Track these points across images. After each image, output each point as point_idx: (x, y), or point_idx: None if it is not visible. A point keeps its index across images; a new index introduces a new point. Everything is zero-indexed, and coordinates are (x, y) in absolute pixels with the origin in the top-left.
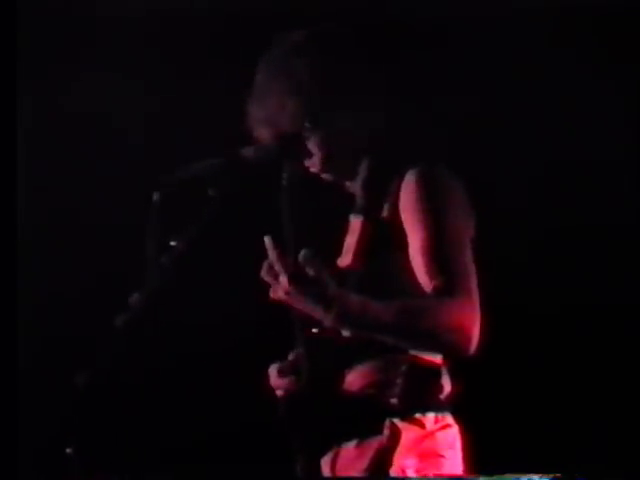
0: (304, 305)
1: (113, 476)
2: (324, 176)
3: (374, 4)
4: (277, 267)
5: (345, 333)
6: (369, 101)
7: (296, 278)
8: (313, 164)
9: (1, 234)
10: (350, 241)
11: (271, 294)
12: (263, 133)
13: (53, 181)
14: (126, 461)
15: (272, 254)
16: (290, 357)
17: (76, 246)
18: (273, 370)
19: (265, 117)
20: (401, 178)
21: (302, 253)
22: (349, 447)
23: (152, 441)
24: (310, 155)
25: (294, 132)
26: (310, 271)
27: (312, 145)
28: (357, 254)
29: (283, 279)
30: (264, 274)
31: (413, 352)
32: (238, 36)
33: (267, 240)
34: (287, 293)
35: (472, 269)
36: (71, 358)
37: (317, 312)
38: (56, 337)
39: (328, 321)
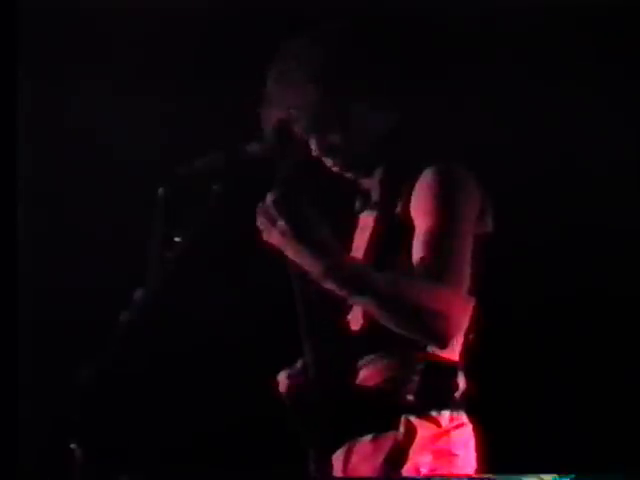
0: (298, 250)
1: (116, 472)
2: (345, 175)
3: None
4: (273, 211)
5: (330, 287)
6: (389, 97)
7: (295, 220)
8: (333, 163)
9: (2, 229)
10: (361, 238)
11: (264, 236)
12: (279, 127)
13: (55, 176)
14: (129, 457)
15: (270, 200)
16: (299, 364)
17: (80, 241)
18: (283, 377)
19: (282, 112)
20: (417, 176)
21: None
22: (364, 443)
23: (157, 437)
24: (329, 153)
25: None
26: (310, 217)
27: (331, 142)
28: (368, 251)
29: (281, 221)
30: (259, 215)
31: (428, 350)
32: (239, 34)
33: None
34: (283, 234)
35: (467, 266)
36: (75, 353)
37: (310, 259)
38: (60, 332)
39: (318, 270)
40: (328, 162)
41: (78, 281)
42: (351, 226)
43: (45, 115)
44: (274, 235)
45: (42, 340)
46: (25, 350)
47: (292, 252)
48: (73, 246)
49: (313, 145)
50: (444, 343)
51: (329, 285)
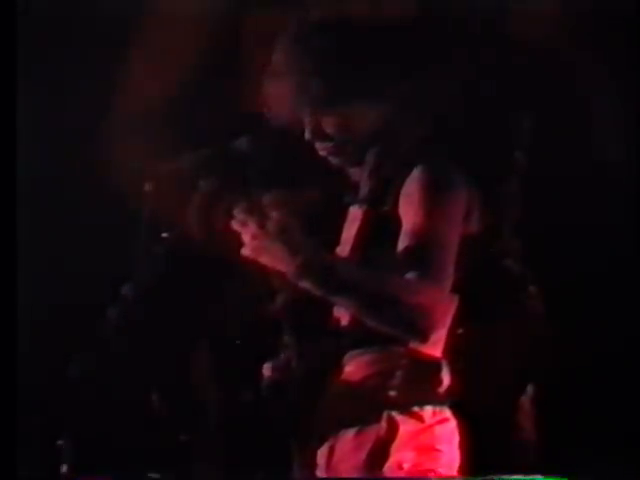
0: (270, 251)
1: (105, 471)
2: (331, 160)
3: None
4: (243, 216)
5: (305, 285)
6: (386, 90)
7: (265, 222)
8: (323, 148)
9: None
10: (349, 231)
11: (242, 250)
12: (278, 113)
13: (49, 176)
14: (117, 453)
15: (239, 206)
16: (282, 356)
17: (69, 237)
18: (267, 368)
19: (281, 98)
20: (408, 173)
21: (264, 198)
22: (347, 438)
23: (144, 433)
24: (322, 138)
25: (309, 114)
26: (277, 216)
27: (325, 128)
28: (355, 246)
29: (252, 224)
30: (234, 223)
31: (412, 345)
32: (235, 34)
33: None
34: (255, 237)
35: (451, 263)
36: (64, 350)
37: (282, 259)
38: (49, 329)
39: (293, 269)
40: (317, 145)
41: (68, 278)
42: (340, 218)
43: (45, 115)
44: (247, 237)
45: (33, 336)
46: (22, 347)
47: (265, 254)
48: (64, 242)
49: (307, 128)
50: (424, 338)
51: (304, 284)
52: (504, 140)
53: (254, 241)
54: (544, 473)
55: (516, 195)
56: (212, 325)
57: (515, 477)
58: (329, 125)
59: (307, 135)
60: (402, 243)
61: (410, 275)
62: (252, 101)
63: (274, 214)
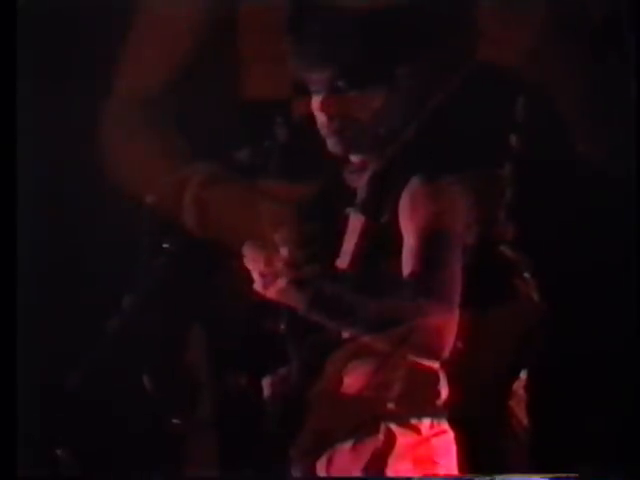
0: (279, 287)
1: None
2: (331, 146)
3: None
4: (252, 254)
5: (317, 319)
6: (384, 78)
7: (272, 261)
8: (325, 125)
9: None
10: (349, 242)
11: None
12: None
13: (48, 180)
14: (116, 463)
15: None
16: (283, 370)
17: (68, 249)
18: (267, 382)
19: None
20: (406, 183)
21: (276, 236)
22: (344, 450)
23: (143, 442)
24: (328, 112)
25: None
26: (285, 253)
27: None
28: (355, 256)
29: (260, 261)
30: (245, 261)
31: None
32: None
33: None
34: (263, 275)
35: (458, 278)
36: (63, 361)
37: (292, 294)
38: (48, 340)
39: (302, 305)
40: (321, 124)
41: (68, 288)
42: (341, 226)
43: (45, 115)
44: (256, 276)
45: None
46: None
47: (274, 291)
48: (64, 253)
49: (323, 124)
50: (439, 357)
51: (316, 317)
52: (499, 125)
53: (263, 278)
54: (538, 466)
55: (511, 180)
56: (212, 335)
57: (515, 477)
58: (336, 103)
59: (314, 105)
60: (407, 265)
61: (422, 300)
62: (254, 105)
63: (282, 249)
